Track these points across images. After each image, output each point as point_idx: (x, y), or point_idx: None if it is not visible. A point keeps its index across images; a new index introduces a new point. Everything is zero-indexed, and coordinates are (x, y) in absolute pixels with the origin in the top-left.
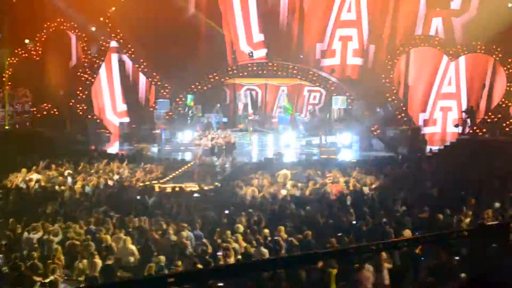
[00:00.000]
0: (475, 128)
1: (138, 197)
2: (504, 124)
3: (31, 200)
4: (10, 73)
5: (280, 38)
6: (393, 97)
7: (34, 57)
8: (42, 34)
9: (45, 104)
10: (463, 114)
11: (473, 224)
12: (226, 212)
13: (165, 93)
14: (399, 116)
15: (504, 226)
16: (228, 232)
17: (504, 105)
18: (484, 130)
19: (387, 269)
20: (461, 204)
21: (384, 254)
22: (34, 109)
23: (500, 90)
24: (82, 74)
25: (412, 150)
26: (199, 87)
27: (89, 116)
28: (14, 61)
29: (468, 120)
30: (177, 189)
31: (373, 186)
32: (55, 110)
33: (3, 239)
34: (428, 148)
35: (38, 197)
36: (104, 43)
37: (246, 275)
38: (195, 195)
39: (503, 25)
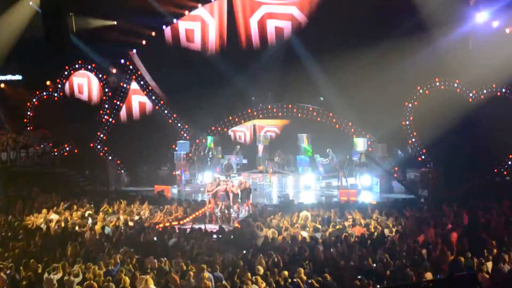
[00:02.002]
0: (497, 171)
1: (158, 238)
2: None
3: (52, 240)
4: (31, 114)
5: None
6: (413, 139)
7: (55, 98)
8: (63, 75)
9: (65, 145)
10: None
11: (494, 268)
12: (246, 253)
13: (185, 135)
14: (419, 159)
15: (473, 277)
16: (248, 274)
17: None
18: (505, 172)
19: None
20: (483, 247)
21: None
22: (55, 150)
23: None
24: (102, 115)
25: (432, 192)
26: (219, 128)
27: (110, 157)
28: (35, 102)
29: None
30: (197, 230)
31: (394, 228)
32: (75, 151)
33: (24, 279)
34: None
35: (58, 237)
36: (124, 84)
37: None
38: (215, 236)
39: None
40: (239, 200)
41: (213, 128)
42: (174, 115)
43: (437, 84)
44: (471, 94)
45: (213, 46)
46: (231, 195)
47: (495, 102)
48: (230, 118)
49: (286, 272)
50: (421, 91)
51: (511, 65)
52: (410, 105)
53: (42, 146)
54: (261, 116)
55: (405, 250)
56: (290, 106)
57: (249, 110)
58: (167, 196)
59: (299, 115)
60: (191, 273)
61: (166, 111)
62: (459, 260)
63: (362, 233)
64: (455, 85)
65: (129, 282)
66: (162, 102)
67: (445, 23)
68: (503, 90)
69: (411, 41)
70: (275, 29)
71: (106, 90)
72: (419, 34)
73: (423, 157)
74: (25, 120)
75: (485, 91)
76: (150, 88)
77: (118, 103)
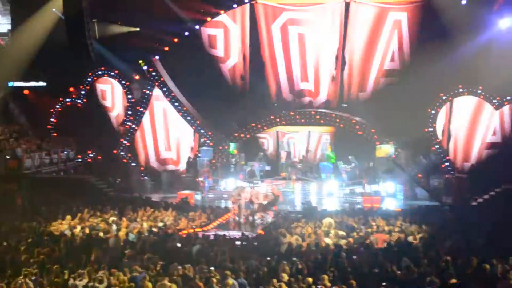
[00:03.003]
0: None
1: (182, 245)
2: None
3: (77, 247)
4: (55, 121)
5: (322, 87)
6: (437, 146)
7: (78, 105)
8: (86, 82)
9: (89, 152)
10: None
11: None
12: (270, 260)
13: (208, 141)
14: (443, 165)
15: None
16: (273, 281)
17: None
18: None
19: None
20: (508, 254)
21: None
22: (79, 156)
23: None
24: (125, 122)
25: (456, 199)
26: (242, 135)
27: (133, 164)
28: (59, 109)
29: None
30: (220, 237)
31: (418, 235)
32: (99, 157)
33: (50, 285)
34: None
35: (83, 244)
36: (147, 91)
37: None
38: (238, 242)
39: None
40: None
41: (236, 134)
42: (198, 122)
43: (460, 91)
44: (494, 101)
45: (236, 53)
46: (256, 203)
47: None
48: (253, 124)
49: (310, 279)
50: (444, 97)
51: None
52: (433, 111)
53: (65, 152)
54: (283, 122)
55: (430, 257)
56: (312, 112)
57: (272, 117)
58: (191, 203)
59: (321, 121)
60: (215, 280)
61: (189, 118)
62: (484, 267)
63: (386, 240)
64: (478, 91)
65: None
66: (185, 108)
67: (469, 30)
68: None
69: (435, 47)
70: (298, 35)
71: (129, 96)
72: (443, 40)
73: (446, 164)
74: (48, 127)
75: (508, 98)
76: (173, 94)
77: (141, 109)
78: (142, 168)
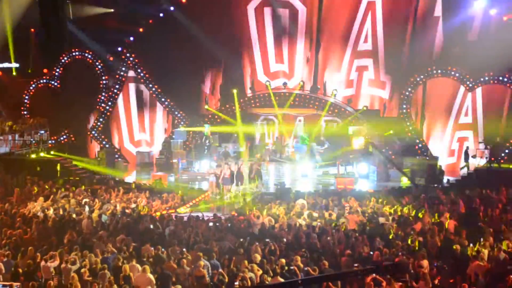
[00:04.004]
0: (492, 158)
1: (155, 226)
2: None
3: (49, 228)
4: (28, 102)
5: (297, 68)
6: (410, 128)
7: (52, 86)
8: (60, 63)
9: (62, 133)
10: (480, 144)
11: (491, 255)
12: (243, 241)
13: (182, 123)
14: (416, 147)
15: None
16: (245, 262)
17: None
18: (502, 161)
19: None
20: (479, 235)
21: None
22: (52, 138)
23: None
24: (99, 103)
25: (429, 180)
26: (216, 116)
27: (107, 145)
28: (32, 90)
29: (486, 151)
30: (193, 218)
31: (390, 216)
32: (73, 139)
33: (22, 267)
34: (445, 178)
35: (55, 225)
36: (122, 73)
37: None
38: (211, 224)
39: None
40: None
41: (210, 116)
42: (172, 103)
43: (434, 72)
44: (468, 83)
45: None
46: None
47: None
48: (227, 106)
49: (283, 260)
50: (418, 79)
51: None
52: (407, 93)
53: (39, 134)
54: (258, 104)
55: (402, 237)
56: (287, 94)
57: (246, 98)
58: (164, 184)
59: (295, 103)
60: (187, 261)
61: (163, 99)
62: (455, 248)
63: (358, 221)
64: (452, 73)
65: (128, 269)
66: (159, 90)
67: (444, 11)
68: (501, 78)
69: (408, 29)
70: (272, 17)
71: (103, 78)
72: (416, 22)
73: (420, 145)
74: (22, 108)
75: (481, 79)
76: (147, 76)
77: (115, 91)
78: (116, 150)
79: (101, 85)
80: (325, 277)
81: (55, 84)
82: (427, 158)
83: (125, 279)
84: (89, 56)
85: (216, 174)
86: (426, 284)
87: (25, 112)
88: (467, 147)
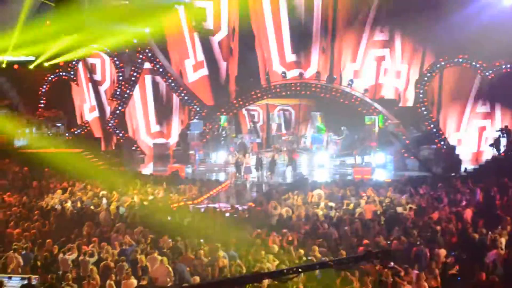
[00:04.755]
0: (510, 147)
1: (173, 218)
2: None
3: (67, 221)
4: (45, 95)
5: (313, 59)
6: (427, 117)
7: (69, 79)
8: (76, 56)
9: (80, 125)
10: (498, 133)
11: (508, 244)
12: (260, 232)
13: (198, 114)
14: (433, 136)
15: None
16: (262, 252)
17: None
18: None
19: None
20: (497, 223)
21: None
22: (72, 129)
23: None
24: (116, 96)
25: (446, 169)
26: (232, 108)
27: (124, 138)
28: (49, 84)
29: (504, 139)
30: (211, 209)
31: (408, 206)
32: (90, 131)
33: (40, 260)
34: (462, 167)
35: (73, 218)
36: (138, 64)
37: None
38: (228, 215)
39: None
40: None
41: (226, 107)
42: (188, 95)
43: (450, 61)
44: (484, 71)
45: (226, 25)
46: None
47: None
48: (243, 97)
49: (302, 251)
50: (434, 68)
51: None
52: (423, 82)
53: (56, 126)
54: (270, 96)
55: (419, 227)
56: (304, 84)
57: (262, 89)
58: (181, 176)
59: (308, 92)
60: (205, 252)
61: (179, 91)
62: (473, 237)
63: (376, 210)
64: (468, 61)
65: (145, 260)
66: (175, 81)
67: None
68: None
69: (422, 17)
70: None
71: (120, 70)
72: (430, 10)
73: (436, 134)
74: (38, 101)
75: (497, 68)
76: (163, 68)
77: (131, 83)
78: (132, 142)
79: (117, 78)
80: (308, 266)
81: (71, 76)
82: (444, 147)
83: (142, 270)
84: (106, 48)
85: (239, 163)
86: (431, 273)
87: (42, 105)
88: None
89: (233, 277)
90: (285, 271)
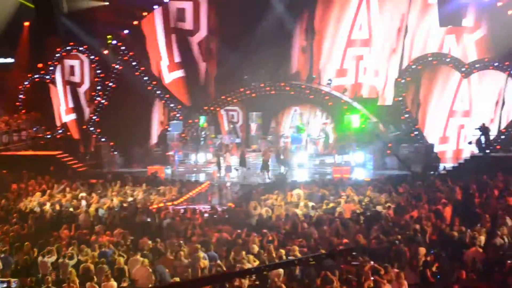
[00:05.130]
0: (488, 145)
1: (152, 219)
2: None
3: (46, 223)
4: (23, 97)
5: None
6: (406, 116)
7: (47, 80)
8: (55, 58)
9: (58, 128)
10: (477, 131)
11: (488, 242)
12: (240, 232)
13: (177, 115)
14: (412, 134)
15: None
16: (243, 253)
17: None
18: (498, 147)
19: None
20: (476, 221)
21: None
22: (48, 133)
23: None
24: (95, 97)
25: (425, 168)
26: (212, 108)
27: (103, 139)
28: (27, 85)
29: (482, 137)
30: (190, 210)
31: (387, 205)
32: (68, 133)
33: (19, 263)
34: (441, 166)
35: (52, 220)
36: (116, 66)
37: None
38: (208, 215)
39: None
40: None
41: (205, 108)
42: (167, 96)
43: (430, 59)
44: (463, 69)
45: (205, 25)
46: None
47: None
48: (223, 97)
49: (282, 251)
50: (413, 66)
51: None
52: (402, 81)
53: (34, 129)
54: (254, 95)
55: (398, 225)
56: (282, 84)
57: (242, 89)
58: (161, 177)
59: (292, 93)
60: (185, 253)
61: (158, 92)
62: (452, 235)
63: (355, 210)
64: (447, 60)
65: (123, 262)
66: (154, 82)
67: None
68: (495, 63)
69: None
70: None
71: (99, 71)
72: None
73: (416, 132)
74: (17, 104)
75: (477, 65)
76: (142, 69)
77: (110, 84)
78: (111, 144)
79: (96, 79)
80: (274, 265)
81: (50, 78)
82: (423, 145)
83: (119, 271)
84: (84, 50)
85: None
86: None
87: (20, 108)
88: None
89: (211, 275)
90: (253, 269)
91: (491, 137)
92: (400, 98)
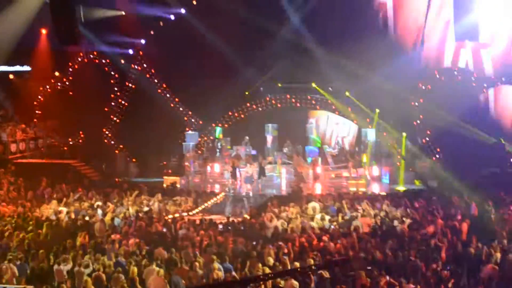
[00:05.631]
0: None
1: (168, 229)
2: None
3: (62, 232)
4: (40, 105)
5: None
6: (423, 130)
7: (64, 89)
8: (73, 66)
9: (75, 137)
10: None
11: (503, 258)
12: (255, 244)
13: (193, 126)
14: (429, 149)
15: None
16: (258, 265)
17: None
18: None
19: None
20: (492, 238)
21: None
22: (65, 141)
23: None
24: (112, 106)
25: (442, 183)
26: (228, 119)
27: (119, 149)
28: (44, 93)
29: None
30: (206, 221)
31: (403, 219)
32: (85, 142)
33: (34, 270)
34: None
35: (68, 229)
36: (132, 75)
37: None
38: (222, 227)
39: None
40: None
41: (221, 119)
42: (183, 106)
43: (437, 76)
44: (472, 78)
45: None
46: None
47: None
48: (239, 108)
49: (297, 264)
50: (423, 87)
51: None
52: (416, 103)
53: (51, 137)
54: (269, 106)
55: (414, 240)
56: (309, 97)
57: (258, 101)
58: (177, 187)
59: (317, 107)
60: (200, 264)
61: (174, 102)
62: (468, 251)
63: (371, 224)
64: (455, 73)
65: (137, 272)
66: (170, 93)
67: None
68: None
69: None
70: None
71: (115, 80)
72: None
73: (432, 147)
74: (34, 112)
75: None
76: (158, 79)
77: (127, 94)
78: (128, 153)
79: (113, 88)
80: (273, 275)
81: (67, 87)
82: (440, 160)
83: (132, 281)
84: (102, 59)
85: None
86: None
87: (37, 116)
88: None
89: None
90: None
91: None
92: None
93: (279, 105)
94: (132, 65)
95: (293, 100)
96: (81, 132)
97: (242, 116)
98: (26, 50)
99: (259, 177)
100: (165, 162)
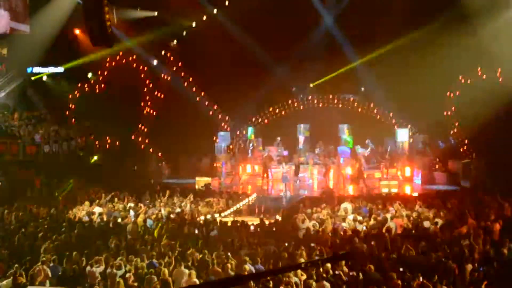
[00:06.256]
0: None
1: (200, 231)
2: None
3: (94, 233)
4: (73, 107)
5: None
6: (455, 130)
7: (97, 90)
8: (105, 67)
9: (107, 138)
10: None
11: None
12: (287, 245)
13: (225, 126)
14: (462, 149)
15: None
16: None
17: None
18: None
19: None
20: None
21: None
22: (97, 142)
23: None
24: (144, 107)
25: (475, 183)
26: (259, 120)
27: (151, 150)
28: (77, 95)
29: None
30: (238, 222)
31: (435, 220)
32: (117, 143)
33: (67, 272)
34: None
35: (101, 230)
36: (166, 76)
37: None
38: (254, 228)
39: None
40: None
41: (254, 119)
42: (215, 106)
43: (479, 73)
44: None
45: None
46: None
47: None
48: (271, 109)
49: (329, 265)
50: (463, 81)
51: None
52: (452, 95)
53: (83, 138)
54: (301, 107)
55: (447, 241)
56: (331, 96)
57: (290, 101)
58: (209, 188)
59: (340, 105)
60: (232, 266)
61: (207, 103)
62: (501, 251)
63: (403, 224)
64: (497, 74)
65: (168, 274)
66: (203, 93)
67: (487, 11)
68: None
69: (452, 30)
70: None
71: (148, 81)
72: (460, 22)
73: (465, 147)
74: (67, 113)
75: None
76: (191, 79)
77: (159, 95)
78: (160, 154)
79: (146, 89)
80: (282, 269)
81: (100, 88)
82: (473, 159)
83: (163, 283)
84: (133, 59)
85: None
86: None
87: (70, 117)
88: None
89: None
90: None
91: None
92: (449, 112)
93: (311, 105)
94: (165, 66)
95: (325, 100)
96: (114, 134)
97: (274, 116)
98: (59, 51)
99: (295, 174)
100: (197, 163)
